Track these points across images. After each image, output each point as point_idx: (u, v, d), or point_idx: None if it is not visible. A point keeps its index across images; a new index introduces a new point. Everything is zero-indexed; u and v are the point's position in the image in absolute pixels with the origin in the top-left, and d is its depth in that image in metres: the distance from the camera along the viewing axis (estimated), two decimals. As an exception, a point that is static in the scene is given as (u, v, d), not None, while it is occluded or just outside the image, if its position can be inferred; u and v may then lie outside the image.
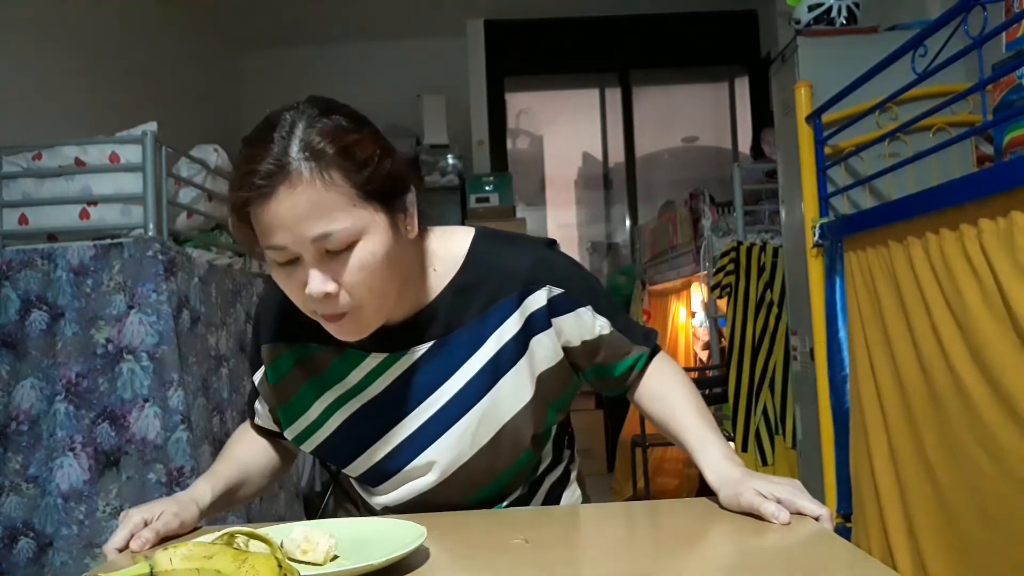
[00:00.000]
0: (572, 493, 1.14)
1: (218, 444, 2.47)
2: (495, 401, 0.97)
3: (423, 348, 0.97)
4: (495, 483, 1.03)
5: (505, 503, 1.06)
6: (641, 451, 3.71)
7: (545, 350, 0.99)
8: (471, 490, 1.02)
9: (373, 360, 0.98)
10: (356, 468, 1.03)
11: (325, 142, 0.81)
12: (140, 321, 2.20)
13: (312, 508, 3.60)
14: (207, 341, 2.50)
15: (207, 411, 2.43)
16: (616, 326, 1.03)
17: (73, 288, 2.23)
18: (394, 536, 0.82)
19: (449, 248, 0.99)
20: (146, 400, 2.17)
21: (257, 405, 1.11)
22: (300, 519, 1.15)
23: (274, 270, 0.87)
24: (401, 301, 0.95)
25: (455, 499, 1.01)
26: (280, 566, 0.70)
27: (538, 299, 0.97)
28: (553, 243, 1.04)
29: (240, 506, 1.03)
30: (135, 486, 2.16)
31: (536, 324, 0.98)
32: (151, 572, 0.72)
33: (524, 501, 1.08)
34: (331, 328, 0.89)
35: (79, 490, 2.15)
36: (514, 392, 0.98)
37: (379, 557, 0.74)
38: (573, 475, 1.15)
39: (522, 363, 0.98)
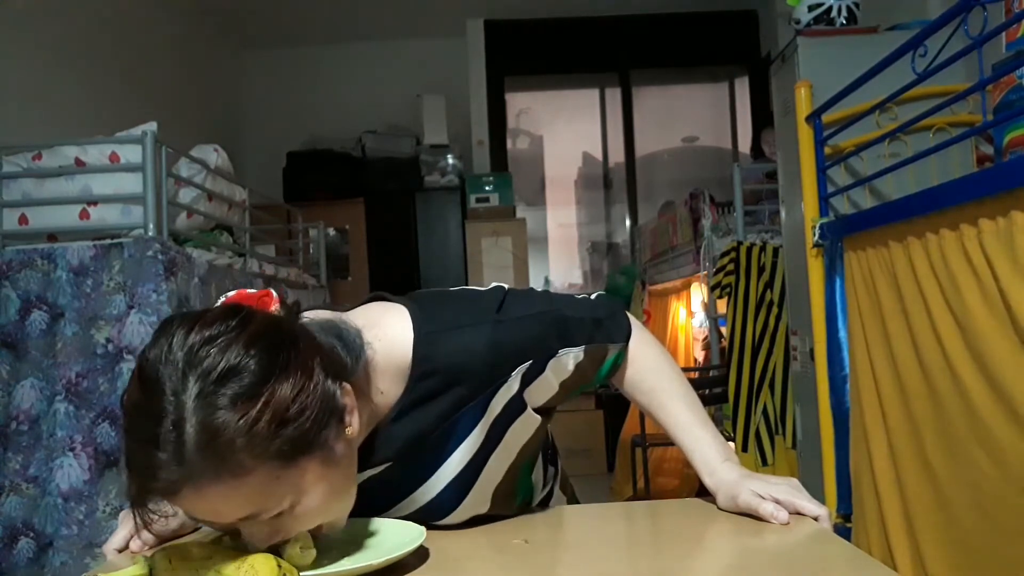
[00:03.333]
0: (557, 501, 1.13)
1: (218, 444, 2.47)
2: (471, 502, 0.91)
3: (378, 469, 0.88)
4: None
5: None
6: (641, 451, 3.71)
7: (520, 433, 0.92)
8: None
9: None
10: None
11: (227, 431, 0.65)
12: (140, 321, 2.20)
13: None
14: (207, 341, 2.50)
15: (207, 411, 2.42)
16: (588, 341, 0.94)
17: (73, 288, 2.23)
18: (394, 536, 0.82)
19: (390, 359, 0.85)
20: (146, 400, 2.17)
21: None
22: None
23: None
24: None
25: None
26: (279, 566, 0.70)
27: (510, 389, 0.88)
28: (503, 298, 0.92)
29: None
30: (135, 486, 2.15)
31: (511, 414, 0.90)
32: (151, 572, 0.72)
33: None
34: (292, 557, 0.76)
35: (79, 490, 2.15)
36: (489, 486, 0.92)
37: (379, 557, 0.74)
38: (557, 487, 1.14)
39: (495, 457, 0.91)
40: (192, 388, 0.66)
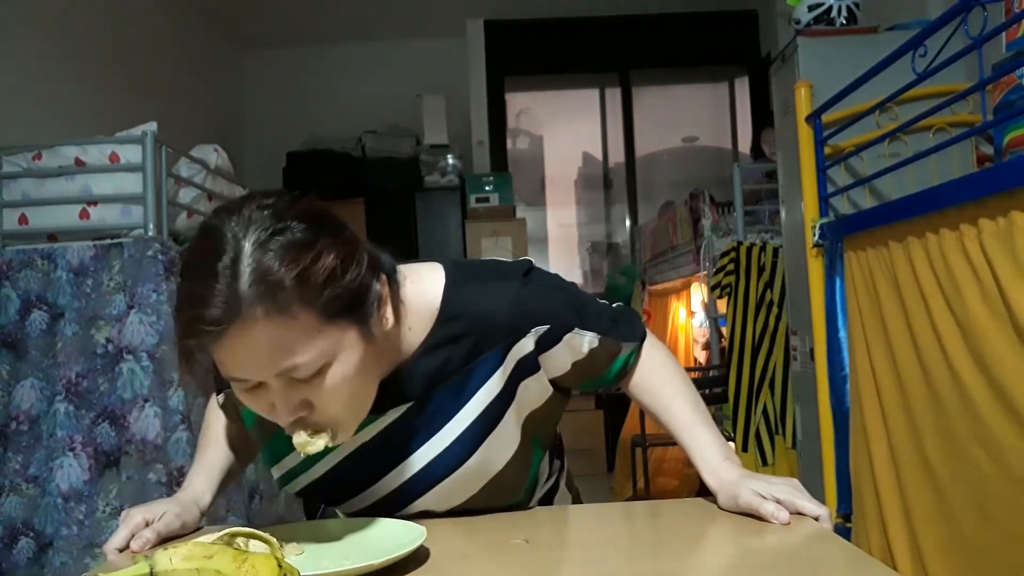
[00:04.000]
0: (562, 497, 1.14)
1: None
2: (483, 458, 0.92)
3: (401, 409, 0.91)
4: (486, 511, 0.98)
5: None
6: (641, 451, 3.71)
7: (533, 394, 0.95)
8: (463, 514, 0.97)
9: None
10: (345, 509, 1.00)
11: (280, 270, 0.71)
12: (140, 321, 2.20)
13: (312, 508, 3.60)
14: (207, 341, 2.50)
15: (207, 411, 2.43)
16: (603, 332, 0.98)
17: (73, 288, 2.23)
18: (394, 536, 0.82)
19: (421, 299, 0.90)
20: (146, 400, 2.17)
21: (224, 397, 1.05)
22: (300, 519, 1.15)
23: (237, 391, 0.80)
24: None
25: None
26: (280, 566, 0.70)
27: (524, 346, 0.92)
28: (529, 269, 0.96)
29: (236, 482, 0.97)
30: (135, 486, 2.15)
31: (524, 370, 0.93)
32: (151, 572, 0.72)
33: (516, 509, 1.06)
34: (300, 443, 0.80)
35: (79, 490, 2.15)
36: (503, 445, 0.94)
37: (379, 557, 0.74)
38: (563, 482, 1.15)
39: (509, 414, 0.93)
40: (251, 235, 0.72)
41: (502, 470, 0.95)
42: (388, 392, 0.89)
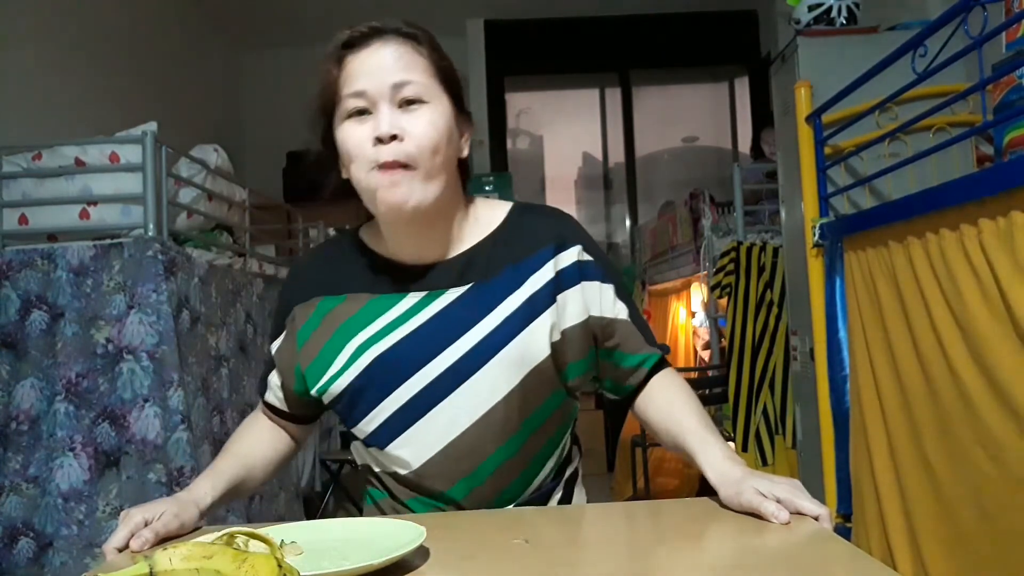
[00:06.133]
0: (581, 493, 1.14)
1: (218, 444, 2.47)
2: (523, 343, 0.98)
3: (460, 290, 1.00)
4: (522, 433, 1.00)
5: (533, 487, 1.05)
6: (641, 451, 3.72)
7: (574, 305, 1.02)
8: (500, 438, 0.99)
9: (410, 300, 1.01)
10: (376, 417, 1.00)
11: (421, 31, 0.98)
12: (140, 321, 2.20)
13: (312, 508, 3.60)
14: (207, 341, 2.50)
15: (207, 411, 2.42)
16: (633, 320, 1.06)
17: (73, 288, 2.23)
18: (394, 536, 0.82)
19: (491, 212, 1.06)
20: (146, 400, 2.17)
21: (271, 378, 1.10)
22: (300, 519, 1.15)
23: (345, 125, 0.95)
24: (443, 240, 1.02)
25: (481, 449, 0.99)
26: (280, 566, 0.70)
27: (570, 255, 1.02)
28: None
29: (243, 498, 1.02)
30: (135, 486, 2.16)
31: (566, 279, 1.01)
32: (151, 572, 0.72)
33: (548, 492, 1.08)
34: (385, 185, 0.93)
35: (79, 490, 2.15)
36: (541, 338, 0.99)
37: (379, 557, 0.74)
38: (581, 474, 1.17)
39: (551, 312, 1.00)
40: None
41: (536, 367, 0.98)
42: (450, 272, 1.01)
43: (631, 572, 0.76)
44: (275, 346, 1.09)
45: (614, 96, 5.87)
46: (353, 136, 0.95)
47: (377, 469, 1.07)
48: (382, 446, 1.02)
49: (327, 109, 0.98)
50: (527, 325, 0.98)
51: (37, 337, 2.23)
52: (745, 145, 5.63)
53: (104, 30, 3.80)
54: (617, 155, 5.87)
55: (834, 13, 2.35)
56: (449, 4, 5.19)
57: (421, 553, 0.80)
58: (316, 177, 1.07)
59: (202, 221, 2.68)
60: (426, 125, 0.93)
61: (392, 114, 0.93)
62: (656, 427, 1.06)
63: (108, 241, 2.28)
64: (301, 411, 1.12)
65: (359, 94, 0.94)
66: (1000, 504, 1.38)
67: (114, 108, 3.65)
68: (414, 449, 1.00)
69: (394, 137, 0.92)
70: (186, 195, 2.59)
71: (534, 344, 0.98)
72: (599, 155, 5.93)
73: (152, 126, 2.36)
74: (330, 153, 1.01)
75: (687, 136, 5.95)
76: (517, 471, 1.02)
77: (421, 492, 1.02)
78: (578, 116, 5.97)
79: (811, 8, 2.37)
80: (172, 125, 2.90)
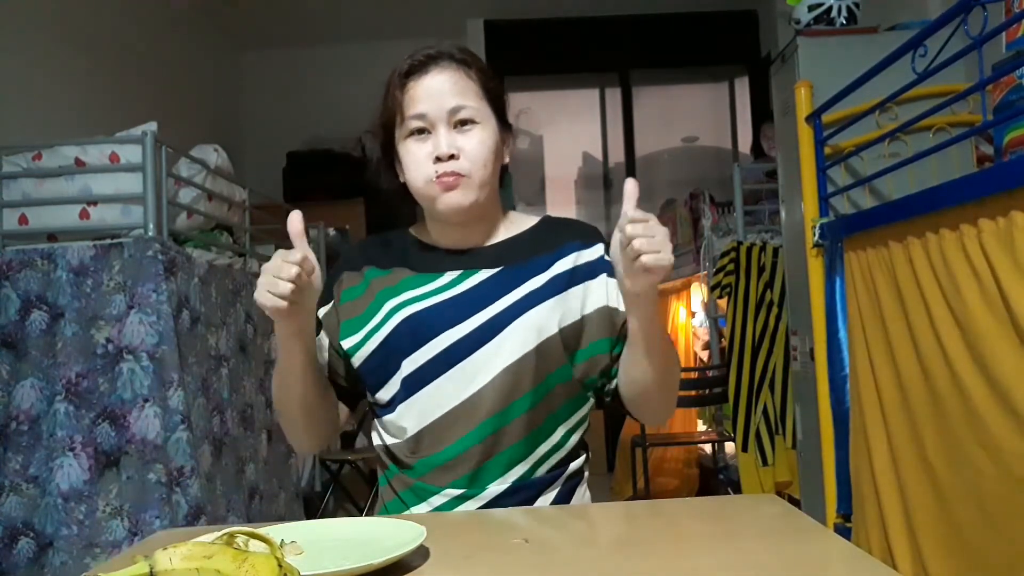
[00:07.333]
0: (583, 493, 1.15)
1: (218, 444, 2.47)
2: (540, 315, 1.08)
3: (492, 271, 1.13)
4: (529, 398, 1.07)
5: (535, 468, 1.09)
6: (641, 451, 3.71)
7: (595, 295, 1.12)
8: (508, 398, 1.07)
9: (447, 277, 1.14)
10: (400, 375, 1.10)
11: (471, 56, 1.12)
12: (140, 321, 2.20)
13: (312, 508, 3.60)
14: (207, 341, 2.50)
15: (207, 411, 2.42)
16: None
17: (73, 288, 2.23)
18: (394, 536, 0.82)
19: (526, 217, 1.22)
20: (146, 400, 2.17)
21: (320, 338, 1.17)
22: (300, 519, 1.15)
23: (407, 142, 1.10)
24: (484, 232, 1.17)
25: (490, 408, 1.06)
26: (280, 566, 0.70)
27: (594, 252, 1.15)
28: None
29: (302, 399, 1.12)
30: (135, 486, 2.16)
31: (589, 271, 1.13)
32: (151, 572, 0.72)
33: (546, 484, 1.10)
34: (443, 192, 1.08)
35: (79, 490, 2.15)
36: (555, 313, 1.09)
37: (379, 557, 0.74)
38: (586, 474, 1.17)
39: (568, 294, 1.11)
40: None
41: (549, 339, 1.08)
42: (487, 256, 1.15)
43: (631, 572, 0.76)
44: (322, 312, 1.17)
45: (614, 96, 5.87)
46: (416, 153, 1.09)
47: (389, 442, 1.14)
48: (396, 405, 1.11)
49: (388, 126, 1.13)
50: (546, 300, 1.10)
51: (37, 337, 2.23)
52: (745, 145, 5.63)
53: (104, 30, 3.80)
54: (617, 155, 5.87)
55: (834, 13, 2.35)
56: (449, 4, 5.20)
57: (421, 553, 0.80)
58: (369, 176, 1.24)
59: (202, 221, 2.68)
60: (477, 144, 1.08)
61: (448, 135, 1.08)
62: (631, 392, 1.10)
63: (108, 241, 2.28)
64: (340, 381, 1.19)
65: (420, 116, 1.08)
66: (1000, 504, 1.38)
67: (114, 108, 3.64)
68: (428, 406, 1.09)
69: (452, 156, 1.07)
70: (186, 195, 2.59)
71: (551, 318, 1.09)
72: (599, 155, 5.93)
73: (152, 126, 2.36)
74: (386, 159, 1.17)
75: (687, 136, 5.95)
76: (516, 436, 1.08)
77: (427, 453, 1.09)
78: (578, 116, 5.96)
79: (811, 8, 2.37)
80: (172, 125, 2.90)
